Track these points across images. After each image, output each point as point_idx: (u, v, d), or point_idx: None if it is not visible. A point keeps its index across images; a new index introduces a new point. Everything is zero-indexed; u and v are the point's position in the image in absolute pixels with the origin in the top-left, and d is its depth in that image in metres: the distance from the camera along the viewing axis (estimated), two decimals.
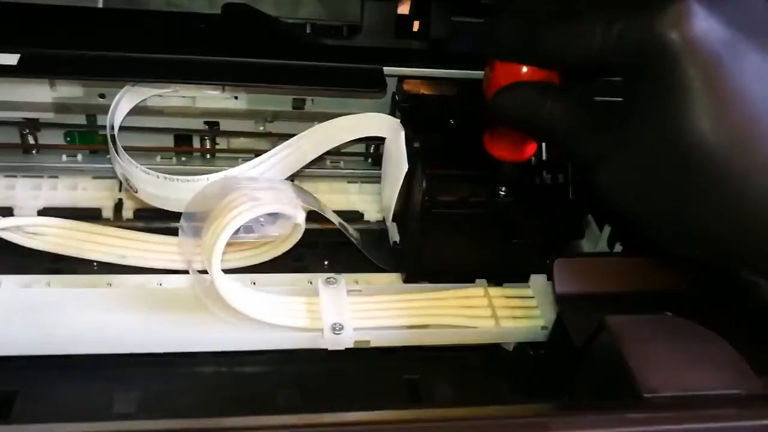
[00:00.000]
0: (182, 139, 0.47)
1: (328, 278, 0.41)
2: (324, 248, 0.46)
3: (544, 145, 0.41)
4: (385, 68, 0.42)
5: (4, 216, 0.42)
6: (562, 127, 0.29)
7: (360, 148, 0.48)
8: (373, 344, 0.38)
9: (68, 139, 0.46)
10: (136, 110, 0.42)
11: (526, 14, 0.30)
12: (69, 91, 0.42)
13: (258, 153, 0.45)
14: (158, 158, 0.47)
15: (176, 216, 0.41)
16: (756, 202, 0.25)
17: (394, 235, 0.44)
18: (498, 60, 0.32)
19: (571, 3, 0.29)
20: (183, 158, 0.47)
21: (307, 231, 0.43)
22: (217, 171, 0.42)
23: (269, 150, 0.44)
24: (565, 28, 0.28)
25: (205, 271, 0.37)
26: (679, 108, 0.25)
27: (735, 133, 0.25)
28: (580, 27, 0.28)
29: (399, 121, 0.42)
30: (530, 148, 0.39)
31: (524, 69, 0.32)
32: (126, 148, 0.41)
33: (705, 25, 0.25)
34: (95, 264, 0.42)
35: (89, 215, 0.44)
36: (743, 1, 0.27)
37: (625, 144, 0.27)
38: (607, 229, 0.46)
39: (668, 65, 0.25)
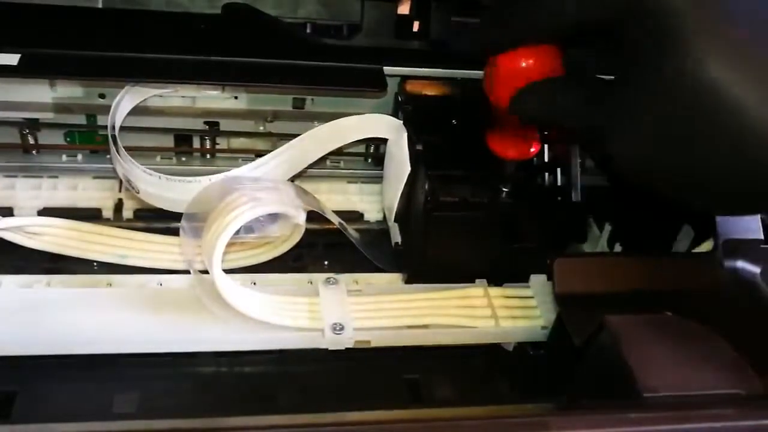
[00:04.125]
0: (182, 139, 0.47)
1: (328, 278, 0.41)
2: (324, 248, 0.46)
3: (546, 146, 0.41)
4: (385, 68, 0.42)
5: (4, 216, 0.42)
6: (573, 113, 0.29)
7: (360, 148, 0.48)
8: (373, 344, 0.38)
9: (68, 139, 0.46)
10: (137, 110, 0.42)
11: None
12: (69, 91, 0.42)
13: (258, 153, 0.45)
14: (158, 158, 0.47)
15: (177, 216, 0.41)
16: None
17: (396, 236, 0.44)
18: (498, 52, 0.32)
19: None
20: (183, 158, 0.47)
21: (307, 231, 0.43)
22: (217, 171, 0.42)
23: (269, 150, 0.44)
24: None
25: (205, 271, 0.37)
26: (675, 47, 0.24)
27: (740, 60, 0.24)
28: None
29: (401, 122, 0.42)
30: (533, 146, 0.39)
31: (523, 63, 0.32)
32: (126, 148, 0.41)
33: None
34: (95, 264, 0.42)
35: (89, 215, 0.44)
36: None
37: (631, 103, 0.26)
38: (607, 229, 0.46)
39: (652, 7, 0.25)
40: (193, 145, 0.47)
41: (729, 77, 0.24)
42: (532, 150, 0.39)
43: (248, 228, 0.37)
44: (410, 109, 0.43)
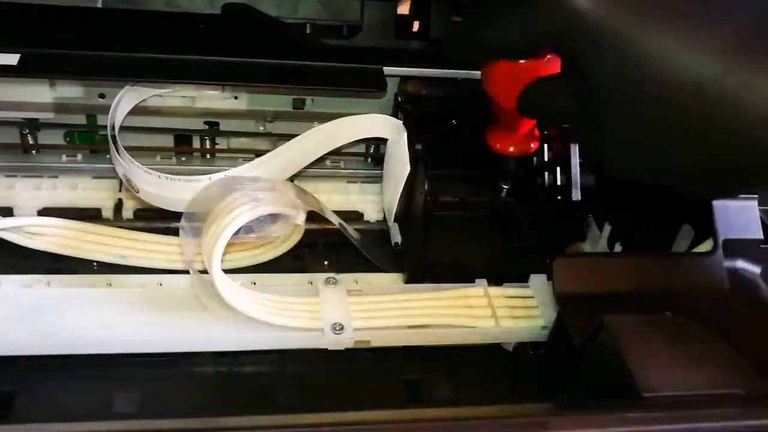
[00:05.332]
0: (182, 139, 0.47)
1: (328, 278, 0.41)
2: (324, 248, 0.46)
3: (546, 145, 0.41)
4: (385, 68, 0.42)
5: (4, 216, 0.42)
6: (566, 113, 0.31)
7: (360, 148, 0.48)
8: (373, 344, 0.38)
9: (68, 139, 0.46)
10: (136, 110, 0.42)
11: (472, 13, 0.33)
12: (69, 91, 0.42)
13: (258, 153, 0.45)
14: (158, 158, 0.47)
15: (177, 216, 0.41)
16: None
17: (396, 236, 0.44)
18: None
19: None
20: (183, 158, 0.47)
21: (307, 231, 0.43)
22: (217, 171, 0.42)
23: (269, 150, 0.44)
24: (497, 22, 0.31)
25: (205, 271, 0.37)
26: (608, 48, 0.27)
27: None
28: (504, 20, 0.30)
29: (401, 122, 0.42)
30: (532, 142, 0.39)
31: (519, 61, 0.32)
32: (126, 148, 0.41)
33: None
34: (95, 264, 0.42)
35: (89, 215, 0.44)
36: None
37: (600, 114, 0.28)
38: (607, 229, 0.46)
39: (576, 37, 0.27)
40: (193, 145, 0.47)
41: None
42: (532, 146, 0.39)
43: (248, 228, 0.37)
44: (410, 109, 0.43)
